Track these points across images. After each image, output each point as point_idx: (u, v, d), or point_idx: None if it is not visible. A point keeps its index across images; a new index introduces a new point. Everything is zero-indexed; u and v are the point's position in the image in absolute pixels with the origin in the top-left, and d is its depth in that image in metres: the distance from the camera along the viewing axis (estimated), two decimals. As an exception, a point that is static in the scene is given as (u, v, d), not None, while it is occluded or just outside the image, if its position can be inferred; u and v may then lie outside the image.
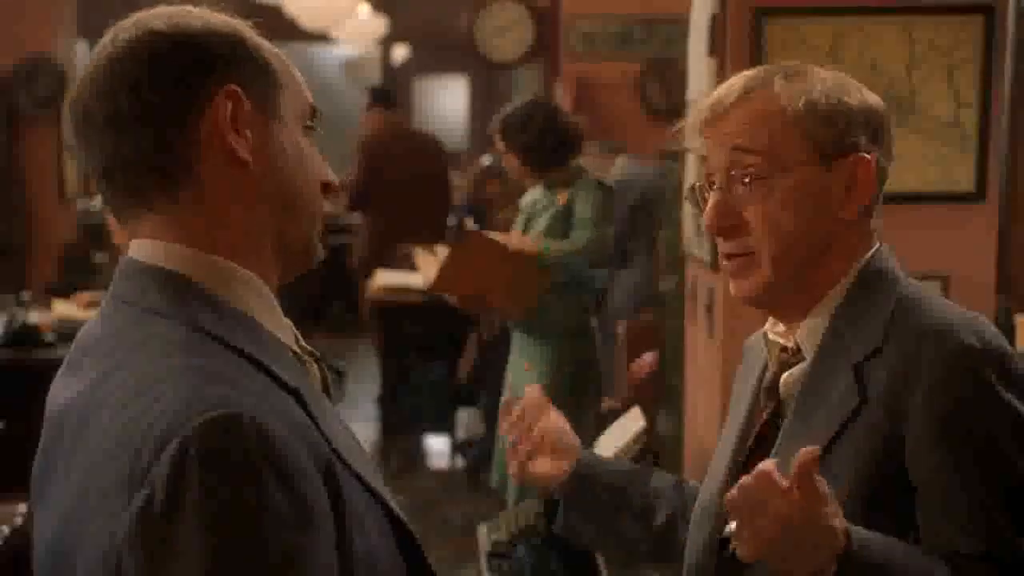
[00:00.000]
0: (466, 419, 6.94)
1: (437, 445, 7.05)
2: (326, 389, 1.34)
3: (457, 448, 6.81)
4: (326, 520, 1.14)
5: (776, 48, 3.05)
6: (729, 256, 1.65)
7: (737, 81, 1.66)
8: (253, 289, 1.27)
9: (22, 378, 5.08)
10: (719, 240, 1.66)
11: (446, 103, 14.58)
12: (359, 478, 1.22)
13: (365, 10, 10.34)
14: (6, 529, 3.45)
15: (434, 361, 6.89)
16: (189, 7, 1.30)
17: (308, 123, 1.35)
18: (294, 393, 1.20)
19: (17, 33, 7.99)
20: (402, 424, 6.91)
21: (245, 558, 1.08)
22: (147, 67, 1.24)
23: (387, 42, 12.71)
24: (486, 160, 10.56)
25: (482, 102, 14.48)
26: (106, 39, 1.28)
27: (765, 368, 1.72)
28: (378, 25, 10.91)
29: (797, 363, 1.65)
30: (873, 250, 1.68)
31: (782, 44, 3.06)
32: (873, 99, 1.67)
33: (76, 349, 1.30)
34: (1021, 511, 1.50)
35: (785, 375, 1.66)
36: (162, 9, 1.29)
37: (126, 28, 1.27)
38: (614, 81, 7.26)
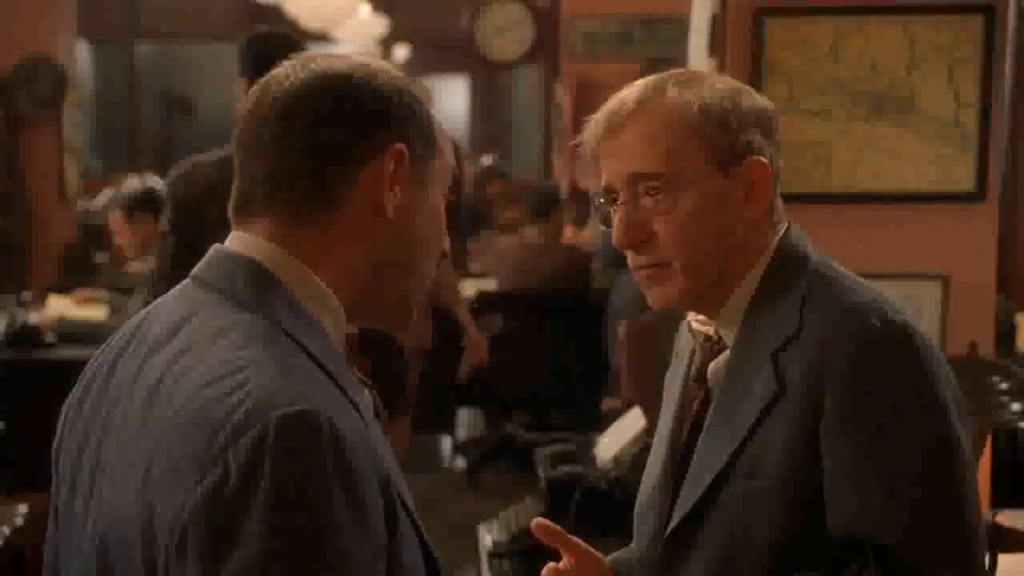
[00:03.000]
0: (467, 419, 6.94)
1: (438, 445, 7.04)
2: (377, 414, 1.37)
3: (458, 448, 6.81)
4: (379, 530, 1.19)
5: (776, 48, 3.06)
6: (642, 267, 1.67)
7: (630, 93, 1.68)
8: (329, 309, 1.31)
9: (22, 379, 5.10)
10: (630, 253, 1.68)
11: (446, 103, 14.59)
12: (402, 500, 1.26)
13: (365, 10, 10.33)
14: (7, 529, 3.46)
15: (435, 361, 6.88)
16: (374, 59, 1.36)
17: (445, 192, 1.41)
18: (356, 407, 1.25)
19: (17, 33, 8.00)
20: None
21: (302, 552, 1.12)
22: (333, 105, 1.31)
23: (387, 42, 12.70)
24: (487, 160, 10.57)
25: (482, 102, 14.48)
26: (295, 65, 1.34)
27: (693, 356, 1.75)
28: (378, 25, 10.91)
29: (722, 351, 1.68)
30: (782, 233, 1.69)
31: (782, 44, 3.06)
32: (762, 100, 1.69)
33: (143, 322, 1.33)
34: (919, 493, 1.52)
35: (712, 364, 1.69)
36: (352, 55, 1.37)
37: (318, 61, 1.34)
38: (614, 81, 7.22)
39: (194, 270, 1.34)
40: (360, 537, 1.16)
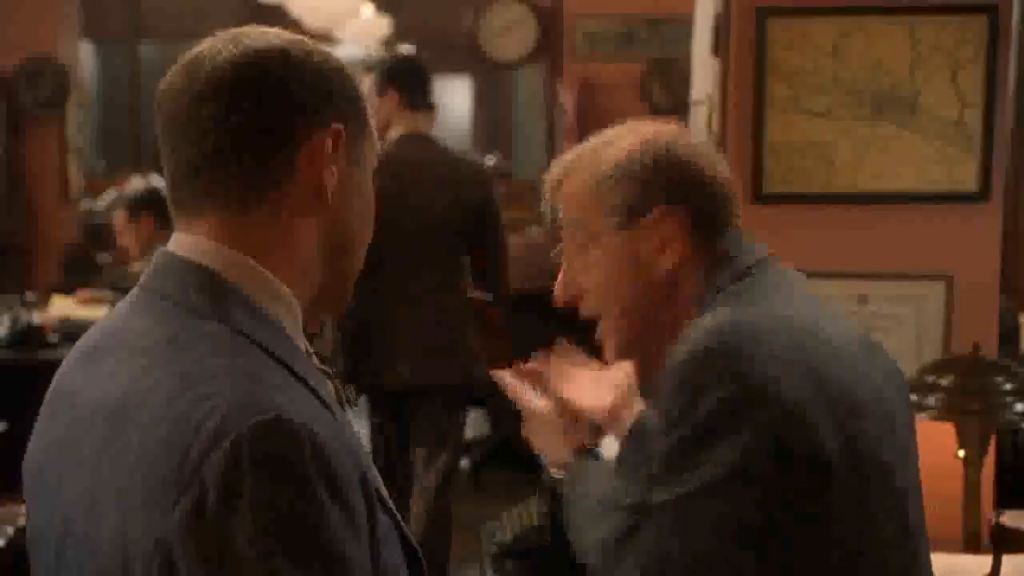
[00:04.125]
0: (471, 419, 6.93)
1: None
2: (341, 405, 1.35)
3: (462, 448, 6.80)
4: (364, 526, 1.16)
5: (779, 48, 3.05)
6: (589, 320, 1.76)
7: (565, 157, 1.78)
8: (285, 305, 1.28)
9: (26, 378, 5.11)
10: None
11: (449, 103, 14.58)
12: (379, 495, 1.23)
13: (368, 10, 10.33)
14: (10, 529, 3.45)
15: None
16: (305, 37, 1.32)
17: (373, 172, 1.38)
18: (326, 406, 1.22)
19: (21, 33, 8.00)
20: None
21: (299, 562, 1.08)
22: (273, 82, 1.26)
23: (390, 42, 12.70)
24: (490, 160, 10.56)
25: (485, 102, 14.47)
26: (223, 42, 1.29)
27: None
28: (381, 25, 10.91)
29: None
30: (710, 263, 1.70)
31: (785, 44, 3.06)
32: (681, 152, 1.71)
33: (100, 337, 1.29)
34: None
35: None
36: (281, 31, 1.32)
37: (249, 36, 1.29)
38: (617, 81, 7.25)
39: (143, 279, 1.29)
40: (353, 537, 1.13)
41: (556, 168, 1.77)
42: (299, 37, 1.32)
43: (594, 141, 1.77)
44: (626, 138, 1.73)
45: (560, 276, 1.77)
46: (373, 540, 1.18)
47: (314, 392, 1.21)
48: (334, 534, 1.10)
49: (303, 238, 1.29)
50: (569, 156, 1.77)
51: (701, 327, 1.53)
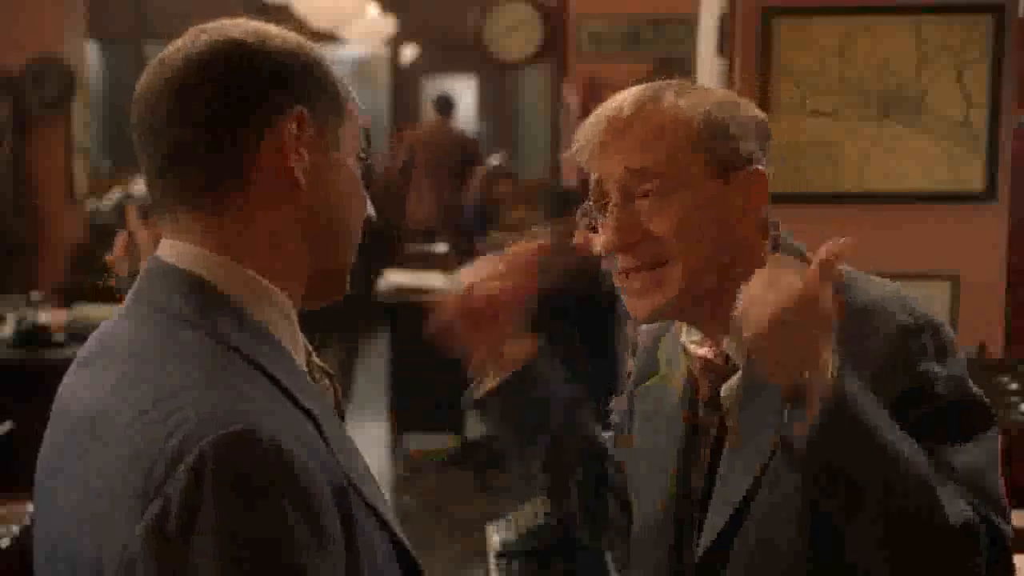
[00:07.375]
0: (476, 419, 6.93)
1: (446, 445, 7.04)
2: (338, 406, 1.33)
3: (466, 448, 6.81)
4: (337, 543, 1.13)
5: (785, 48, 3.05)
6: (632, 271, 1.61)
7: (628, 97, 1.65)
8: (276, 306, 1.26)
9: (32, 378, 5.11)
10: (620, 257, 1.62)
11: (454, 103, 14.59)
12: (368, 503, 1.21)
13: (373, 10, 10.35)
14: (16, 528, 3.46)
15: (443, 360, 6.89)
16: (269, 25, 1.31)
17: (360, 155, 1.35)
18: (310, 415, 1.19)
19: (26, 33, 8.01)
20: (412, 423, 6.91)
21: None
22: (224, 74, 1.24)
23: (396, 42, 12.71)
24: (495, 160, 10.56)
25: (491, 102, 14.48)
26: (185, 39, 1.28)
27: (689, 380, 1.70)
28: (387, 25, 10.92)
29: (731, 373, 1.62)
30: (774, 237, 1.66)
31: (791, 44, 3.05)
32: (759, 112, 1.67)
33: (94, 345, 1.29)
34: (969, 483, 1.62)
35: (724, 386, 1.63)
36: (244, 21, 1.30)
37: (208, 31, 1.28)
38: (622, 81, 7.21)
39: (135, 286, 1.28)
40: (319, 552, 1.10)
41: (615, 113, 1.63)
42: (261, 25, 1.30)
43: (654, 88, 1.66)
44: (702, 89, 1.68)
45: (618, 219, 1.60)
46: (351, 554, 1.15)
47: (295, 401, 1.19)
48: (296, 550, 1.08)
49: (282, 229, 1.26)
50: (629, 101, 1.64)
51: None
